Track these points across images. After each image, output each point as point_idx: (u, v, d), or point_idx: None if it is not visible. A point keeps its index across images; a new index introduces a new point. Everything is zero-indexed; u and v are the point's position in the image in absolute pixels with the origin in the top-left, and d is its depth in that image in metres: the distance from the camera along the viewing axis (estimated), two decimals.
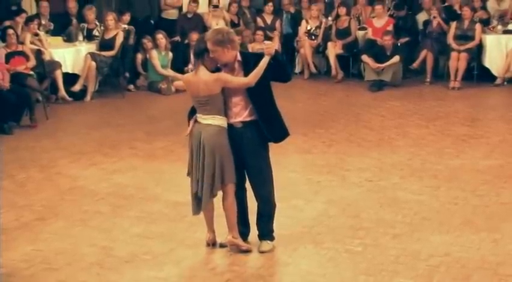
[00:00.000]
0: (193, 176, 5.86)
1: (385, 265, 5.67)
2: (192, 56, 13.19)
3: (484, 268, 5.59)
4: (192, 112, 5.91)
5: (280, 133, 5.88)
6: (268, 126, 5.77)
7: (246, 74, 5.69)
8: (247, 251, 5.90)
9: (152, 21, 14.19)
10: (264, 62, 5.62)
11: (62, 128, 10.52)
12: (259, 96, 5.73)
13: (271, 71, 5.65)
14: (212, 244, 6.05)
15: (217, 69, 5.77)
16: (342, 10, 13.70)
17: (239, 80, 5.72)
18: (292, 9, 14.72)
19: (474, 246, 6.01)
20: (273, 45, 5.78)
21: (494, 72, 12.74)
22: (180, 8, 14.45)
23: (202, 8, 14.23)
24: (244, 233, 6.04)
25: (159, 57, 12.82)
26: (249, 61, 5.73)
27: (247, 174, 5.90)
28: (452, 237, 6.21)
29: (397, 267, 5.62)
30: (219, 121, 5.75)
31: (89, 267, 5.73)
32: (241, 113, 5.78)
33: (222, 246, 6.02)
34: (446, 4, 14.04)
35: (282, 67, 5.78)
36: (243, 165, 5.84)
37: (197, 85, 5.77)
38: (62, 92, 11.87)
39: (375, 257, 5.83)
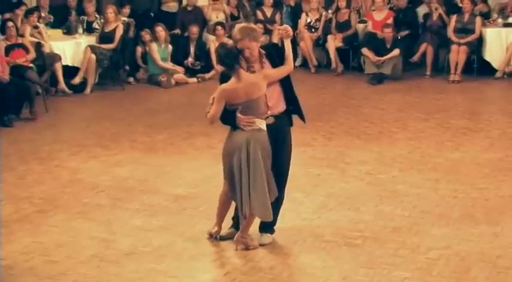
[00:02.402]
0: (238, 188, 5.68)
1: (385, 258, 5.67)
2: (192, 50, 13.26)
3: (483, 261, 5.60)
4: (226, 116, 5.69)
5: (302, 115, 6.04)
6: (299, 109, 5.97)
7: (272, 66, 5.75)
8: (254, 249, 5.87)
9: (152, 14, 14.18)
10: (289, 46, 5.79)
11: (62, 121, 10.52)
12: (288, 83, 5.87)
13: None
14: (214, 237, 6.05)
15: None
16: (342, 3, 13.67)
17: (281, 69, 5.77)
18: (292, 2, 14.69)
19: (473, 239, 6.02)
20: (289, 28, 5.86)
21: (495, 65, 12.72)
22: (180, 1, 14.44)
23: (202, 0, 14.21)
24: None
25: (158, 50, 12.81)
26: (271, 52, 5.81)
27: (276, 164, 5.84)
28: (452, 230, 6.22)
29: (397, 260, 5.63)
30: (264, 125, 5.69)
31: (88, 259, 5.74)
32: (275, 106, 5.80)
33: (222, 238, 6.03)
34: None
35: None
36: None
37: (244, 90, 5.58)
38: (62, 84, 11.86)
39: (374, 250, 5.83)
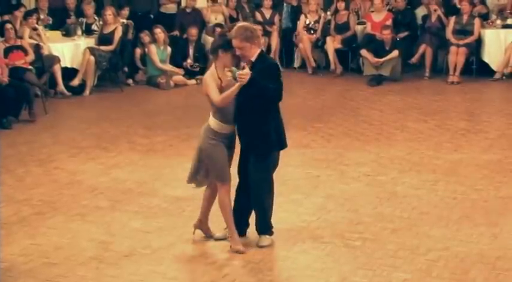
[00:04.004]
0: None
1: (384, 259, 5.67)
2: (191, 51, 13.27)
3: (482, 262, 5.60)
4: None
5: (259, 147, 5.81)
6: (246, 138, 5.78)
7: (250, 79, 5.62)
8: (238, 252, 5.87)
9: (152, 16, 14.18)
10: (234, 89, 5.55)
11: (61, 123, 10.52)
12: (245, 109, 5.69)
13: (255, 94, 5.61)
14: (196, 228, 6.10)
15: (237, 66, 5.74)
16: (341, 5, 13.67)
17: (213, 95, 5.65)
18: (294, 2, 14.60)
19: (473, 240, 6.01)
20: (246, 76, 5.52)
21: (493, 66, 12.72)
22: (179, 3, 14.44)
23: (201, 2, 14.21)
24: (243, 230, 6.07)
25: (157, 51, 12.80)
26: (256, 65, 5.65)
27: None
28: (451, 231, 6.21)
29: (396, 262, 5.63)
30: (211, 122, 5.76)
31: (87, 261, 5.73)
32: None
33: (217, 239, 6.05)
34: None
35: (261, 91, 5.64)
36: (247, 168, 5.85)
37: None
38: (61, 86, 11.86)
39: (373, 251, 5.83)
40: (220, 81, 5.70)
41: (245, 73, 5.53)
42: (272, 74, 5.74)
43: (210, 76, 5.73)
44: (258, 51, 5.76)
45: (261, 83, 5.60)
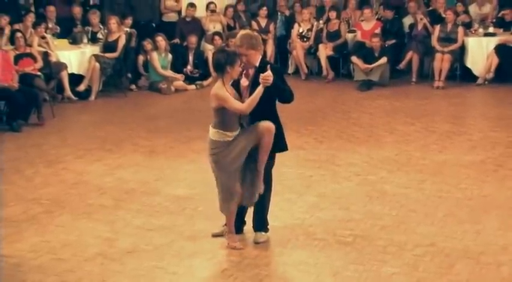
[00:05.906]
0: None
1: (374, 255, 5.67)
2: (190, 58, 13.26)
3: (466, 257, 5.60)
4: None
5: (274, 147, 5.78)
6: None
7: (254, 83, 5.59)
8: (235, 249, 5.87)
9: (154, 25, 14.17)
10: (258, 92, 5.50)
11: (68, 126, 10.49)
12: (260, 110, 5.61)
13: (272, 93, 5.59)
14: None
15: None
16: (333, 14, 13.68)
17: (235, 104, 5.52)
18: (287, 12, 14.67)
19: (457, 236, 6.01)
20: (270, 78, 5.49)
21: (476, 72, 12.73)
22: (180, 12, 14.43)
23: (201, 12, 14.21)
24: (240, 228, 6.06)
25: (159, 58, 12.79)
26: (262, 70, 5.57)
27: None
28: (437, 228, 6.21)
29: (385, 257, 5.63)
30: (211, 132, 5.65)
31: (93, 257, 5.72)
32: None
33: (215, 236, 6.06)
34: (430, 8, 14.05)
35: (280, 93, 5.67)
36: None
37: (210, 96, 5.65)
38: (68, 91, 11.84)
39: (364, 247, 5.83)
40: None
41: (269, 75, 5.48)
42: (280, 76, 5.73)
43: (221, 91, 5.54)
44: (260, 56, 5.76)
45: (278, 84, 5.60)
